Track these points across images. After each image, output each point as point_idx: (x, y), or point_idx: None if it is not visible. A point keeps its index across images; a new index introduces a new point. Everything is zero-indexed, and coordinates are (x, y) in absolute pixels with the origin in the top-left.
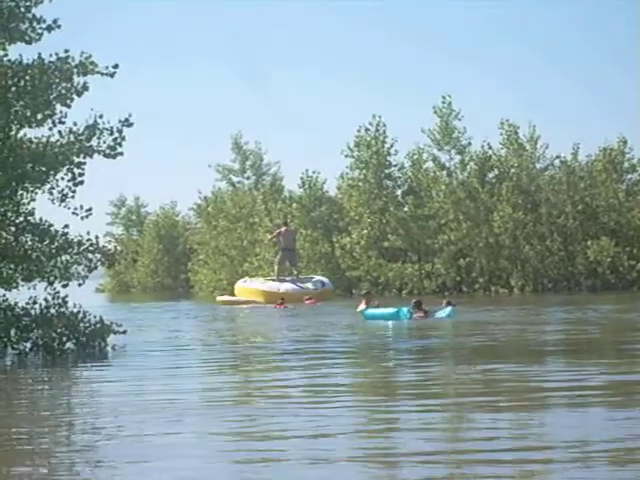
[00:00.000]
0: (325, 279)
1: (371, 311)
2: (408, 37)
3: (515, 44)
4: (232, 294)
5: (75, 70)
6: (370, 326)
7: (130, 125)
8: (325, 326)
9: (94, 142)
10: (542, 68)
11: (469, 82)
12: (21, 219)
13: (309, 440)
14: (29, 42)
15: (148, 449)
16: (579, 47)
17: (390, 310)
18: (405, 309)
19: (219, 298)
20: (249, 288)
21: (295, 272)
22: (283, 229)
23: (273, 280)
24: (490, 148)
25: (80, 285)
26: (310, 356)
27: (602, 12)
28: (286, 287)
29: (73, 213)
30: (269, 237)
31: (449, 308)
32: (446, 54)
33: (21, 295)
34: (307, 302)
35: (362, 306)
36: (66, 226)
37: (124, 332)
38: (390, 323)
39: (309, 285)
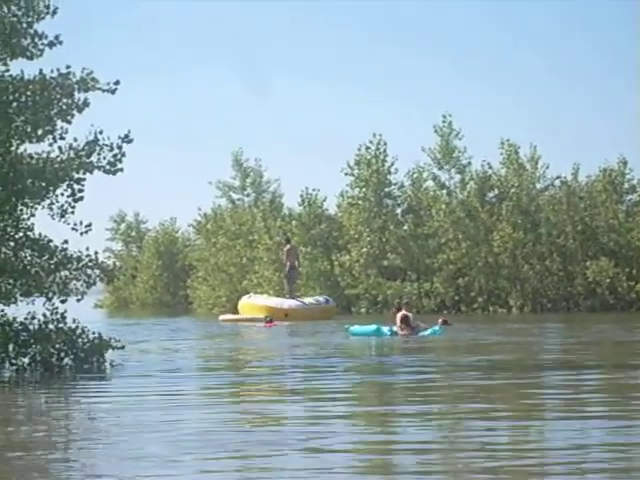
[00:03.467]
0: (329, 297)
1: (355, 328)
2: (410, 55)
3: (517, 63)
4: (234, 310)
5: (76, 86)
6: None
7: (130, 141)
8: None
9: (94, 158)
10: (543, 88)
11: (470, 101)
12: (20, 234)
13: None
14: (30, 58)
15: (145, 469)
16: (581, 66)
17: (371, 327)
18: (386, 327)
19: (222, 317)
20: (253, 304)
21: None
22: (288, 246)
23: (277, 296)
24: (490, 168)
25: (79, 301)
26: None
27: (605, 30)
28: (289, 303)
29: (72, 229)
30: (284, 259)
31: (430, 329)
32: (448, 73)
33: (20, 310)
34: (266, 325)
35: (404, 312)
36: (65, 242)
37: (122, 348)
38: (374, 340)
39: (312, 301)
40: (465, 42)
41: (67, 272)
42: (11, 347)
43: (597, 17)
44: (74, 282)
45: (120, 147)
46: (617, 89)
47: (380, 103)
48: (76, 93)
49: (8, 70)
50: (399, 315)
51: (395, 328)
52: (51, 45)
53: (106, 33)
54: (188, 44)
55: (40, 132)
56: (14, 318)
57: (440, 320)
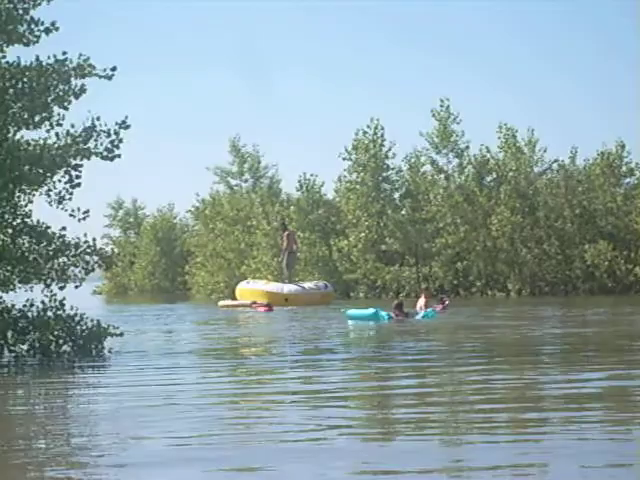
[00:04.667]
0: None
1: (352, 312)
2: (406, 40)
3: (514, 47)
4: (233, 296)
5: (73, 72)
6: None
7: (127, 127)
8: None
9: (91, 144)
10: (541, 71)
11: (468, 85)
12: (18, 221)
13: None
14: (27, 44)
15: (144, 455)
16: (578, 50)
17: (369, 311)
18: (383, 312)
19: (220, 303)
20: (252, 289)
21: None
22: (287, 232)
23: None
24: (488, 152)
25: (77, 287)
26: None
27: (602, 16)
28: (289, 288)
29: (70, 215)
30: (284, 246)
31: (423, 311)
32: (445, 57)
33: (18, 297)
34: (257, 307)
35: (422, 300)
36: (63, 228)
37: (121, 335)
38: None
39: (312, 286)
40: (462, 29)
41: (65, 259)
42: (10, 334)
43: (595, 2)
44: (72, 268)
45: (117, 133)
46: (615, 73)
47: (377, 89)
48: (73, 79)
49: (5, 57)
50: (420, 301)
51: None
52: (47, 31)
53: (105, 24)
54: (187, 35)
55: (37, 118)
56: (13, 305)
57: (442, 297)
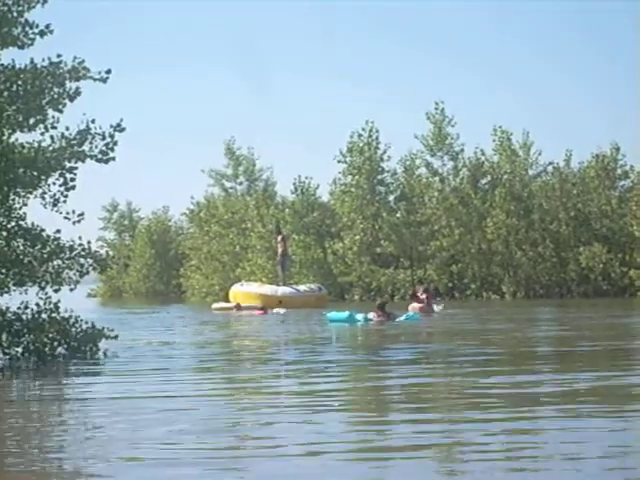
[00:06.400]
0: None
1: (331, 314)
2: (401, 43)
3: (510, 51)
4: (226, 298)
5: (67, 75)
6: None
7: (122, 130)
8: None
9: (86, 147)
10: (539, 73)
11: (462, 88)
12: (13, 224)
13: None
14: (22, 47)
15: (139, 458)
16: (573, 54)
17: (344, 314)
18: (361, 314)
19: (214, 305)
20: (246, 292)
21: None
22: (282, 235)
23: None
24: (483, 154)
25: (72, 290)
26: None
27: (598, 19)
28: (283, 291)
29: (65, 218)
30: (280, 251)
31: (405, 315)
32: (440, 60)
33: (13, 300)
34: (256, 312)
35: (417, 306)
36: (58, 231)
37: (115, 337)
38: (348, 326)
39: (306, 289)
40: (457, 31)
41: (60, 261)
42: (4, 336)
43: (590, 4)
44: (67, 271)
45: (112, 136)
46: (610, 75)
47: (372, 92)
48: (67, 82)
49: None
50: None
51: (370, 315)
52: (42, 34)
53: (100, 25)
54: (183, 35)
55: (32, 121)
56: (7, 308)
57: (417, 287)
